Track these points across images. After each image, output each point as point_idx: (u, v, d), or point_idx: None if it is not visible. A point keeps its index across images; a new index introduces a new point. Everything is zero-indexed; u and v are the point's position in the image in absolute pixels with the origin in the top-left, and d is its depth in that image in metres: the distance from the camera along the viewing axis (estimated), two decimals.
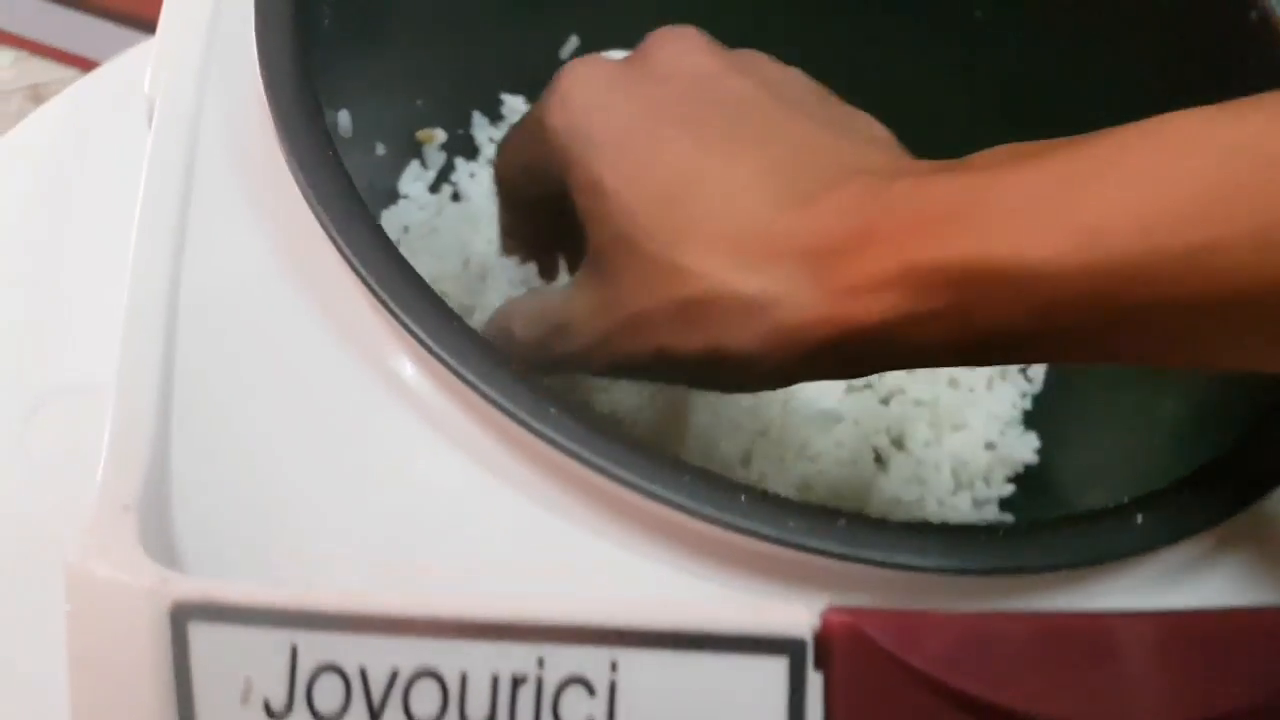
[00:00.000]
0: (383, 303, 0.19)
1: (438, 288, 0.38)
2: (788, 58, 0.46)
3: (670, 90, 0.22)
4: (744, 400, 0.39)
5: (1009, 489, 0.40)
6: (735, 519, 0.18)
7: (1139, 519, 0.20)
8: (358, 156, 0.33)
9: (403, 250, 0.39)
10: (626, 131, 0.21)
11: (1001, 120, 0.41)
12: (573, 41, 0.44)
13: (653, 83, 0.22)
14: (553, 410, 0.18)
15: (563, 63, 0.44)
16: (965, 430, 0.41)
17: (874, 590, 0.19)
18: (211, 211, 0.21)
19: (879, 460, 0.41)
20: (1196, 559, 0.20)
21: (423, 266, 0.38)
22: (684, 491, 0.18)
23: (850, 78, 0.45)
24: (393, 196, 0.39)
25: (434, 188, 0.42)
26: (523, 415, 0.18)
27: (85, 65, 1.08)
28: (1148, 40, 0.35)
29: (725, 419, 0.38)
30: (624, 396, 0.35)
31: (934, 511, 0.39)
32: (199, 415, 0.18)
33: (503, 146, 0.27)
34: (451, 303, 0.38)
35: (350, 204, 0.20)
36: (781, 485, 0.38)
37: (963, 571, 0.18)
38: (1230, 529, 0.21)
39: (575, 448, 0.18)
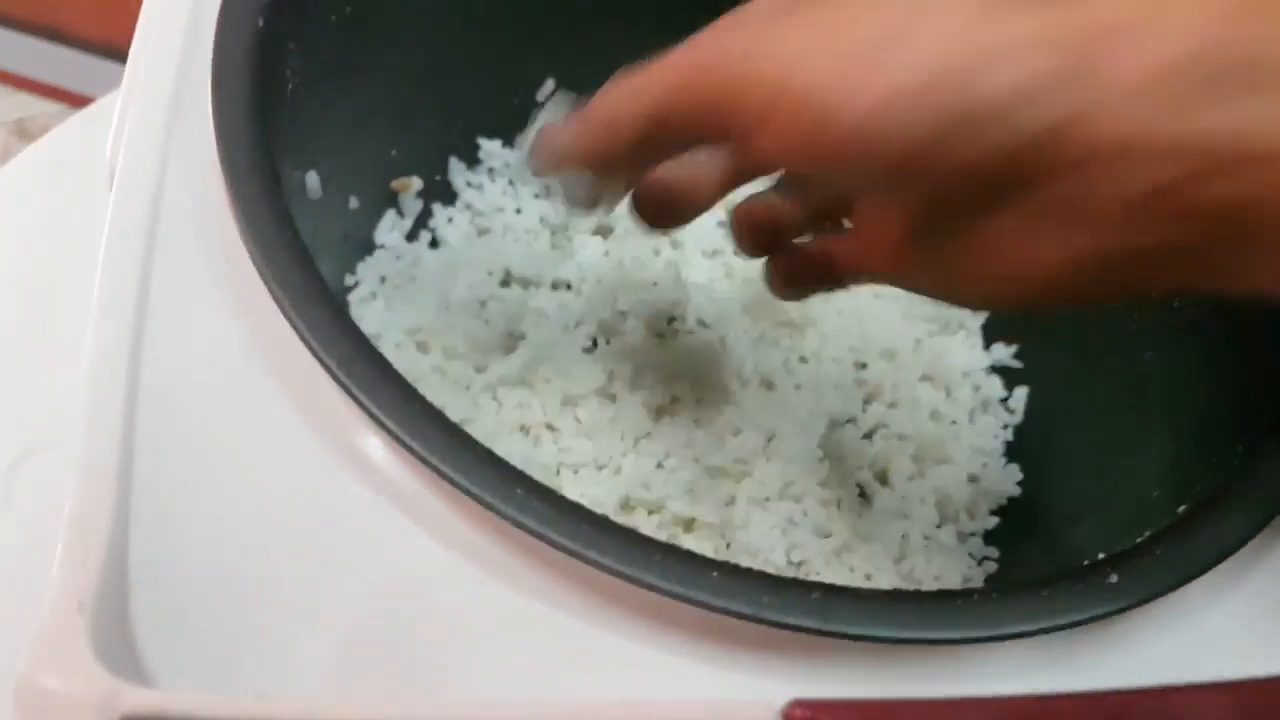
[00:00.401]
0: (344, 387, 0.19)
1: (416, 338, 0.39)
2: None
3: None
4: (728, 442, 0.39)
5: (993, 521, 0.40)
6: (708, 597, 0.18)
7: (1113, 578, 0.20)
8: (330, 211, 0.33)
9: (380, 302, 0.39)
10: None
11: None
12: (549, 85, 0.44)
13: None
14: (519, 491, 0.18)
15: (540, 105, 0.45)
16: (948, 464, 0.41)
17: (850, 660, 0.19)
18: (173, 287, 0.21)
19: (863, 495, 0.41)
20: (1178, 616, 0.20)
21: (401, 317, 0.39)
22: (655, 571, 0.18)
23: None
24: (369, 247, 0.39)
25: (411, 236, 0.42)
26: (488, 497, 0.18)
27: (70, 99, 1.08)
28: None
29: (707, 464, 0.38)
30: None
31: (919, 546, 0.39)
32: (159, 505, 0.18)
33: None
34: (431, 352, 0.39)
35: (309, 286, 0.20)
36: (765, 526, 0.37)
37: (940, 642, 0.18)
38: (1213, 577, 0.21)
39: (543, 529, 0.18)
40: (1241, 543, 0.20)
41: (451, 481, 0.18)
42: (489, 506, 0.18)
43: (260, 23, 0.24)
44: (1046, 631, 0.19)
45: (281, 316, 0.19)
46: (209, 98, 0.22)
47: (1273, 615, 0.20)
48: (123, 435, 0.18)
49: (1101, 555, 0.24)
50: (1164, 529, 0.21)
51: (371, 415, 0.18)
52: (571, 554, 0.18)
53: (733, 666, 0.19)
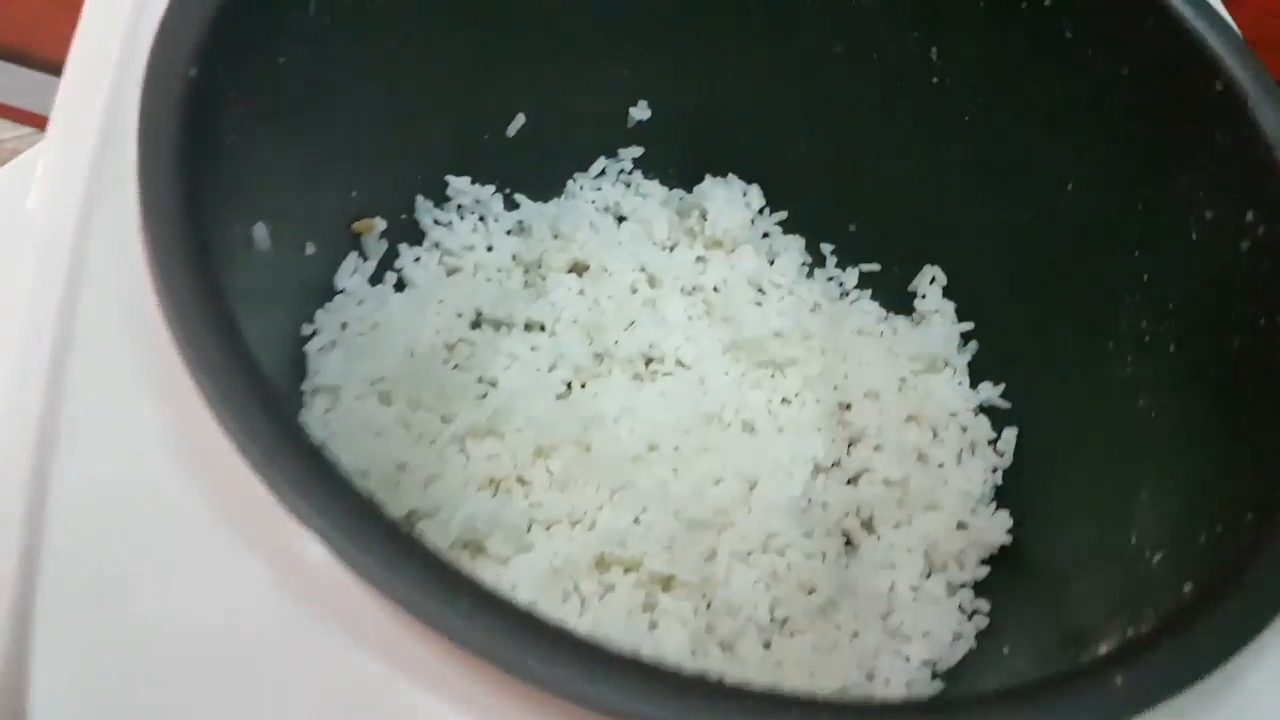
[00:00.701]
0: (275, 489, 0.17)
1: (379, 388, 0.37)
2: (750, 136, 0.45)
3: None
4: (708, 492, 0.38)
5: (984, 571, 0.38)
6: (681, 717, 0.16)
7: (1118, 680, 0.18)
8: (283, 261, 0.31)
9: (340, 350, 0.37)
10: None
11: (974, 183, 0.41)
12: (519, 120, 0.43)
13: None
14: (467, 603, 0.16)
15: (510, 141, 0.44)
16: (936, 510, 0.40)
17: None
18: (92, 378, 0.19)
19: (849, 543, 0.39)
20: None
21: (363, 366, 0.37)
22: (619, 692, 0.16)
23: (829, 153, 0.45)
24: (329, 293, 0.37)
25: (375, 278, 0.40)
26: (433, 611, 0.16)
27: (41, 123, 1.06)
28: (1116, 110, 0.34)
29: (686, 517, 0.36)
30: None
31: (907, 598, 0.37)
32: (65, 638, 0.16)
33: None
34: (395, 403, 0.37)
35: (238, 376, 0.18)
36: (747, 581, 0.36)
37: None
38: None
39: (493, 648, 0.16)
40: (1253, 636, 0.18)
41: (393, 595, 0.16)
42: (433, 623, 0.16)
43: (193, 73, 0.22)
44: None
45: (206, 413, 0.18)
46: (135, 158, 0.20)
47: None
48: (23, 556, 0.16)
49: (1103, 648, 0.22)
50: (1169, 617, 0.20)
51: (307, 522, 0.17)
52: (527, 677, 0.16)
53: None
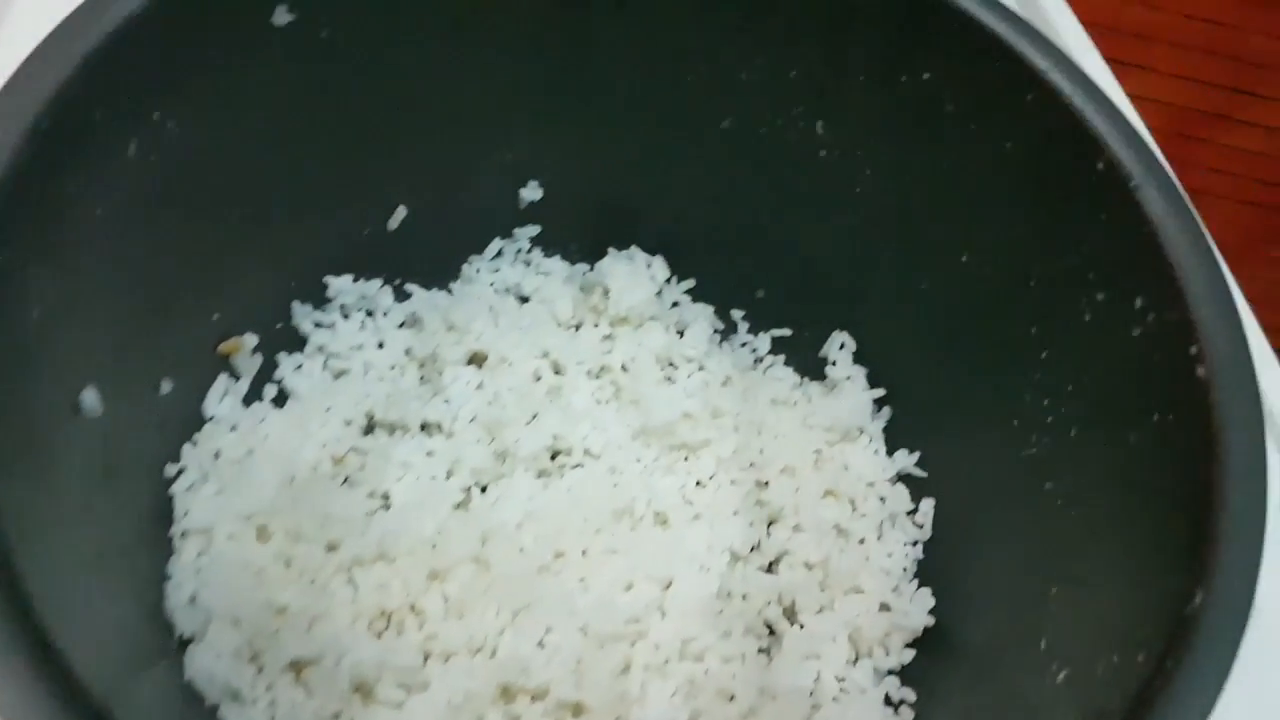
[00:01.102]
0: None
1: (256, 523, 0.35)
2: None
3: None
4: (618, 601, 0.36)
5: (909, 655, 0.37)
6: None
7: None
8: (129, 414, 0.29)
9: (211, 485, 0.35)
10: None
11: (876, 249, 0.40)
12: (400, 211, 0.41)
13: None
14: None
15: (393, 233, 0.42)
16: (858, 592, 0.38)
17: None
18: None
19: (772, 633, 0.38)
20: None
21: (237, 501, 0.34)
22: None
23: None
24: (197, 423, 0.35)
25: (252, 396, 0.37)
26: None
27: None
28: (1003, 184, 0.33)
29: (595, 632, 0.34)
30: None
31: (833, 691, 0.36)
32: None
33: None
34: (274, 537, 0.35)
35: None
36: (664, 696, 0.34)
37: None
38: None
39: None
40: None
41: None
42: None
43: None
44: None
45: None
46: None
47: None
48: None
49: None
50: None
51: None
52: None
53: None
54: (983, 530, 0.36)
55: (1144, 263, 0.28)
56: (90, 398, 0.26)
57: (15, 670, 0.16)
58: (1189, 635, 0.20)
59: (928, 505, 0.40)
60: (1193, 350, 0.25)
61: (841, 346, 0.43)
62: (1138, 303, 0.28)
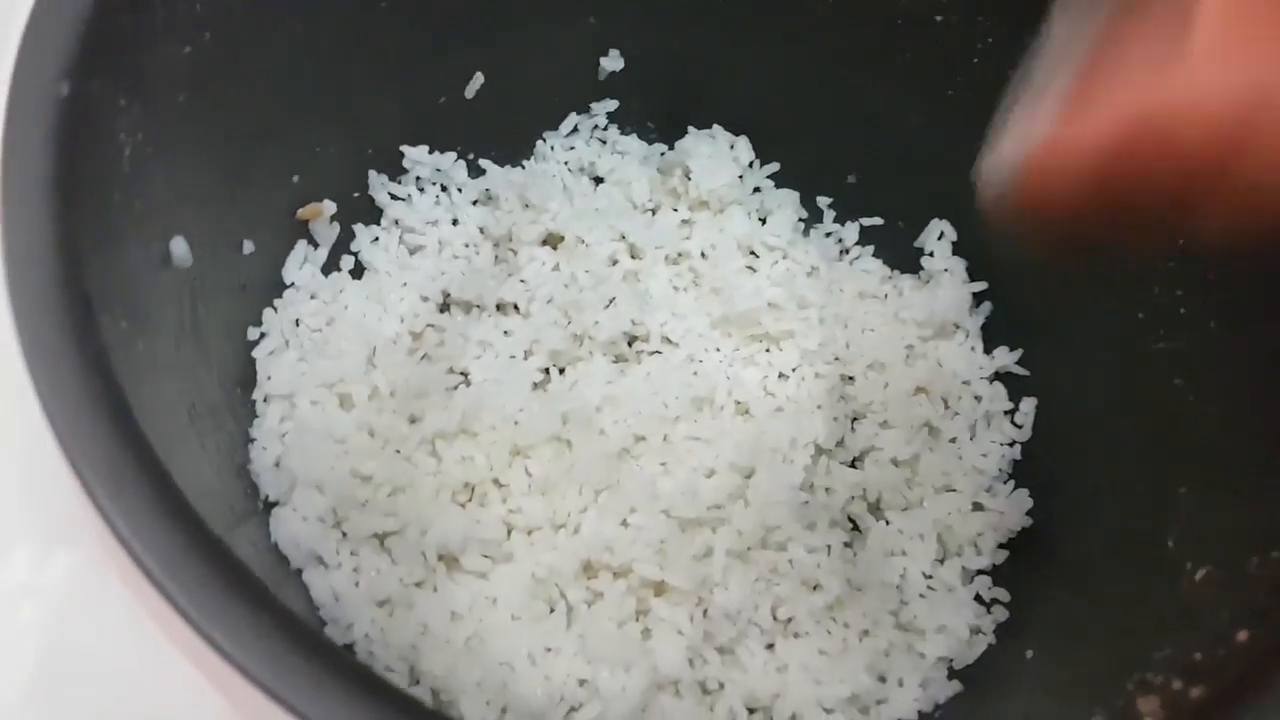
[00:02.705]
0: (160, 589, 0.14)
1: (338, 390, 0.34)
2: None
3: None
4: (700, 488, 0.35)
5: (1002, 556, 0.36)
6: None
7: None
8: (215, 268, 0.28)
9: (293, 351, 0.34)
10: None
11: (987, 126, 0.37)
12: (478, 79, 0.38)
13: None
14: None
15: (469, 103, 0.40)
16: (949, 490, 0.37)
17: None
18: None
19: (856, 530, 0.37)
20: None
21: (319, 368, 0.34)
22: None
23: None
24: (278, 288, 0.34)
25: (329, 267, 0.36)
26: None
27: None
28: None
29: (678, 516, 0.34)
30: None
31: (919, 588, 0.35)
32: None
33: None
34: (356, 406, 0.34)
35: (122, 460, 0.15)
36: (746, 582, 0.33)
37: None
38: None
39: None
40: None
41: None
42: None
43: (65, 90, 0.18)
44: None
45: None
46: None
47: None
48: None
49: (1141, 698, 0.20)
50: (1228, 686, 0.17)
51: (194, 625, 0.14)
52: None
53: None
54: (1091, 430, 0.34)
55: None
56: (179, 247, 0.25)
57: (141, 498, 0.15)
58: None
59: (1028, 405, 0.38)
60: None
61: (940, 236, 0.41)
62: None
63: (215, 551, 0.15)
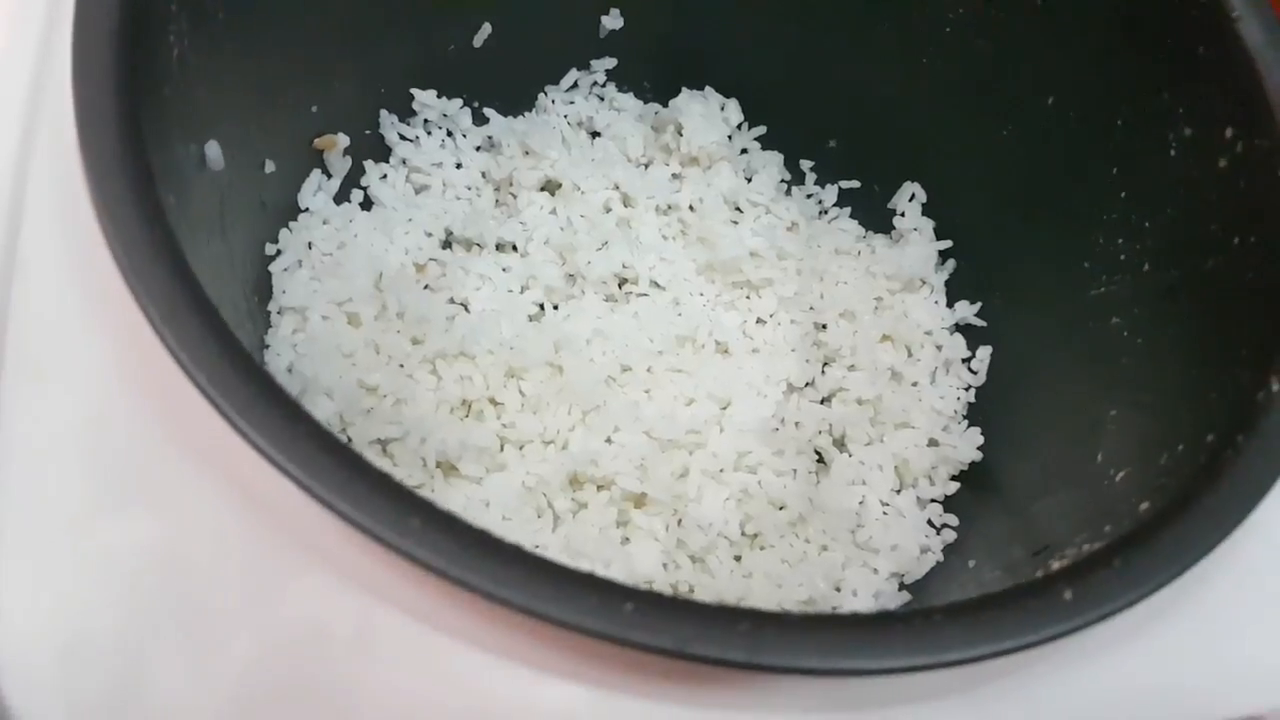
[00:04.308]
0: (226, 416, 0.17)
1: (347, 309, 0.37)
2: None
3: None
4: (680, 413, 0.38)
5: (954, 487, 0.39)
6: (623, 632, 0.16)
7: (1067, 595, 0.18)
8: (241, 179, 0.30)
9: (305, 271, 0.36)
10: None
11: (956, 98, 0.40)
12: (485, 29, 0.41)
13: None
14: (416, 523, 0.16)
15: (477, 52, 0.42)
16: (908, 428, 0.40)
17: (786, 690, 0.17)
18: (38, 304, 0.19)
19: (821, 461, 0.40)
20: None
21: (330, 287, 0.36)
22: (566, 606, 0.16)
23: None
24: (293, 211, 0.37)
25: (340, 197, 0.39)
26: (382, 532, 0.16)
27: None
28: (1100, 22, 0.33)
29: (658, 437, 0.36)
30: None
31: (876, 513, 0.38)
32: (29, 552, 0.16)
33: None
34: (364, 324, 0.37)
35: (183, 306, 0.18)
36: (718, 499, 0.36)
37: (876, 672, 0.17)
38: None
39: (442, 565, 0.16)
40: (1201, 556, 0.19)
41: (344, 516, 0.16)
42: (383, 541, 0.16)
43: None
44: (995, 655, 0.18)
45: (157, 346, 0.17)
46: (70, 91, 0.19)
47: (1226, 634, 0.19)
48: None
49: (1056, 558, 0.23)
50: (1122, 536, 0.20)
51: (255, 445, 0.16)
52: (476, 590, 0.16)
53: (660, 698, 0.17)
54: (1040, 373, 0.37)
55: (1238, 94, 0.28)
56: (214, 150, 0.27)
57: (193, 321, 0.18)
58: (1260, 415, 0.22)
59: (984, 353, 0.41)
60: None
61: (911, 197, 0.44)
62: (1227, 133, 0.28)
63: (253, 369, 0.18)
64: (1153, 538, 0.19)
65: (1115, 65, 0.33)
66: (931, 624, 0.18)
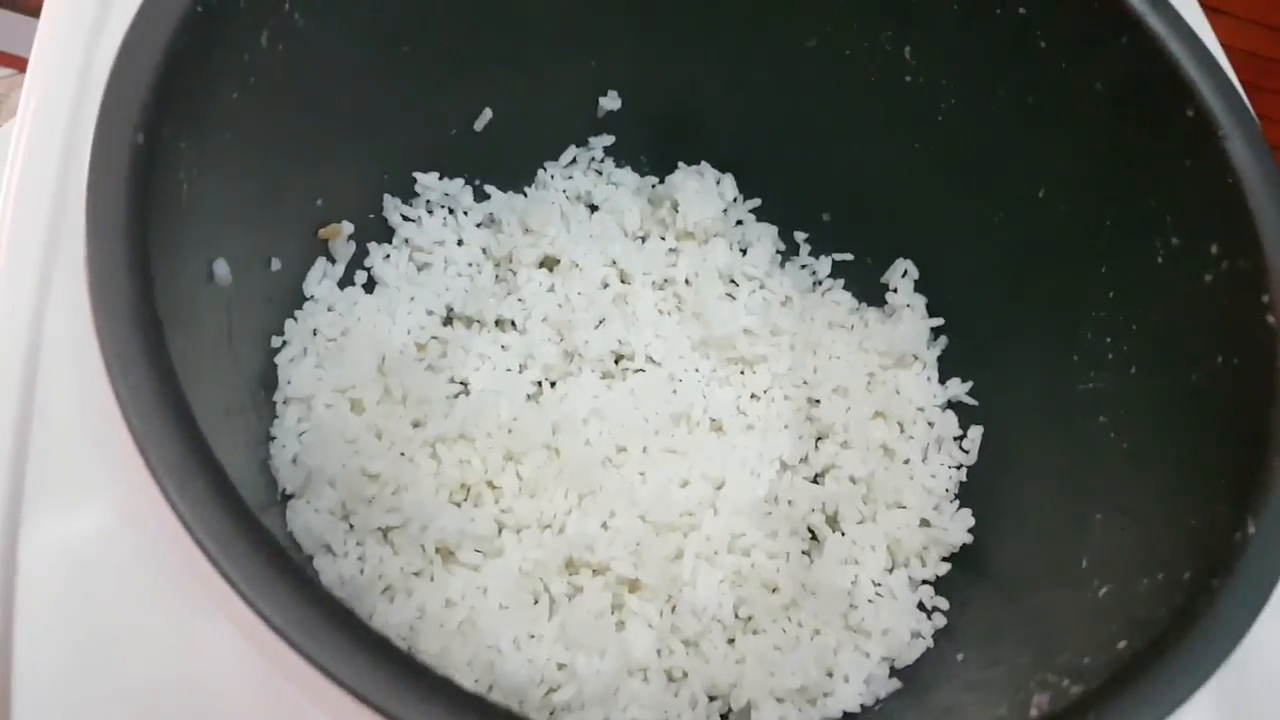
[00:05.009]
0: (224, 574, 0.17)
1: (350, 395, 0.37)
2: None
3: None
4: (674, 496, 0.38)
5: (945, 568, 0.39)
6: None
7: None
8: (248, 286, 0.31)
9: (310, 359, 0.37)
10: None
11: (948, 180, 0.41)
12: (486, 114, 0.42)
13: None
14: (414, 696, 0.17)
15: (478, 135, 0.43)
16: (900, 507, 0.41)
17: None
18: (53, 448, 0.19)
19: (814, 538, 0.40)
20: None
21: (333, 374, 0.37)
22: None
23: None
24: (298, 300, 0.37)
25: (345, 281, 0.40)
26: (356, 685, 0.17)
27: (22, 65, 1.05)
28: (1088, 123, 0.34)
29: (653, 520, 0.37)
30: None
31: (869, 594, 0.39)
32: (44, 691, 0.17)
33: None
34: (366, 410, 0.37)
35: (189, 461, 0.18)
36: (712, 582, 0.37)
37: None
38: None
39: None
40: (1170, 712, 0.19)
41: (331, 675, 0.17)
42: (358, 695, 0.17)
43: (140, 139, 0.21)
44: None
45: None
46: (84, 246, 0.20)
47: None
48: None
49: (1039, 696, 0.23)
50: (1098, 688, 0.21)
51: (267, 622, 0.17)
52: None
53: None
54: (1029, 458, 0.38)
55: (1224, 210, 0.29)
56: (221, 268, 0.28)
57: (202, 488, 0.18)
58: (1236, 558, 0.22)
59: (975, 433, 0.42)
60: (1265, 298, 0.26)
61: (904, 274, 0.45)
62: (1213, 249, 0.29)
63: (262, 537, 0.19)
64: (1125, 691, 0.20)
65: (1104, 165, 0.34)
66: None
